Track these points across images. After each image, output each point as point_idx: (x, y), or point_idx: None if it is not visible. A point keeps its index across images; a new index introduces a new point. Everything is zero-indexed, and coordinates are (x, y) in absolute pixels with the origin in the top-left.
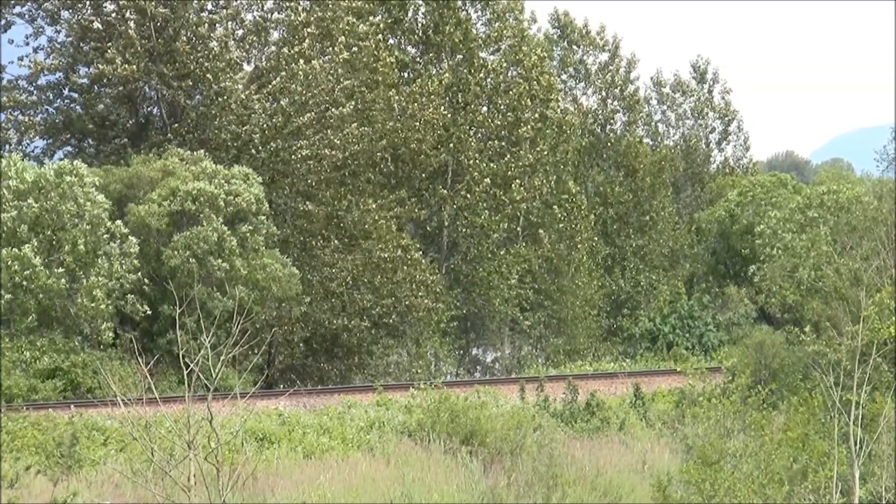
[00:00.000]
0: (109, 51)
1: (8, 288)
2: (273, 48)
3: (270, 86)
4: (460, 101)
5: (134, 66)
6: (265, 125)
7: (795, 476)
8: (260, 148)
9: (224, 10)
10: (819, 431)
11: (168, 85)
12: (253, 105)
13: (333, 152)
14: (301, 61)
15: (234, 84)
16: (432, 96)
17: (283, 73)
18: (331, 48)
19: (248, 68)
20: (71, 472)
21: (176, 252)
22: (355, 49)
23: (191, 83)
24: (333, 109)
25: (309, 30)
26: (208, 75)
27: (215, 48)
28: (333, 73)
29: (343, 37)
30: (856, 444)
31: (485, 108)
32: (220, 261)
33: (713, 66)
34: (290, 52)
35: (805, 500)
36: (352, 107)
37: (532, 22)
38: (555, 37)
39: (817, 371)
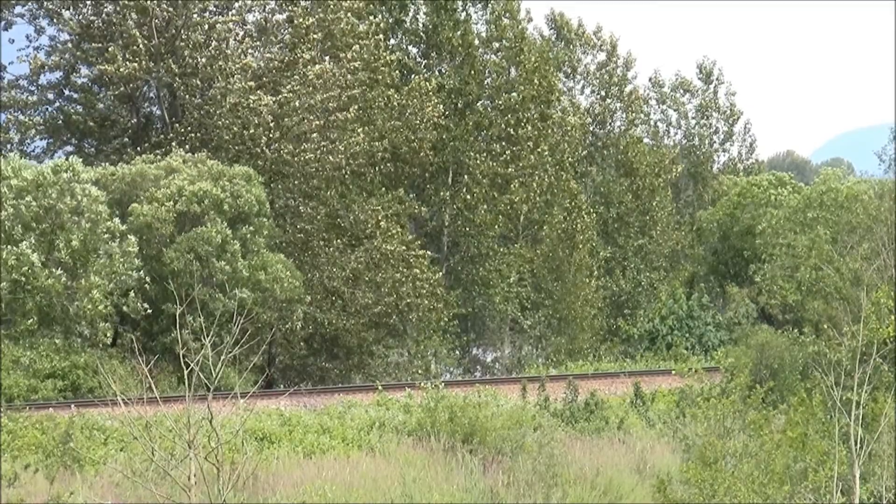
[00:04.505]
0: (111, 49)
1: (7, 287)
2: (276, 49)
3: (283, 91)
4: (461, 102)
5: (136, 65)
6: (271, 126)
7: (795, 476)
8: (264, 148)
9: (228, 12)
10: (819, 431)
11: (172, 82)
12: (258, 106)
13: (338, 157)
14: (316, 66)
15: (241, 84)
16: (430, 94)
17: (296, 77)
18: (336, 52)
19: (250, 63)
20: (69, 471)
21: (179, 255)
22: (356, 49)
23: (197, 82)
24: (338, 114)
25: (315, 35)
26: (217, 75)
27: (225, 49)
28: (342, 78)
29: (345, 37)
30: (856, 444)
31: (486, 109)
32: (222, 263)
33: (718, 67)
34: (294, 55)
35: (805, 500)
36: (355, 110)
37: (528, 21)
38: (552, 38)
39: (817, 371)
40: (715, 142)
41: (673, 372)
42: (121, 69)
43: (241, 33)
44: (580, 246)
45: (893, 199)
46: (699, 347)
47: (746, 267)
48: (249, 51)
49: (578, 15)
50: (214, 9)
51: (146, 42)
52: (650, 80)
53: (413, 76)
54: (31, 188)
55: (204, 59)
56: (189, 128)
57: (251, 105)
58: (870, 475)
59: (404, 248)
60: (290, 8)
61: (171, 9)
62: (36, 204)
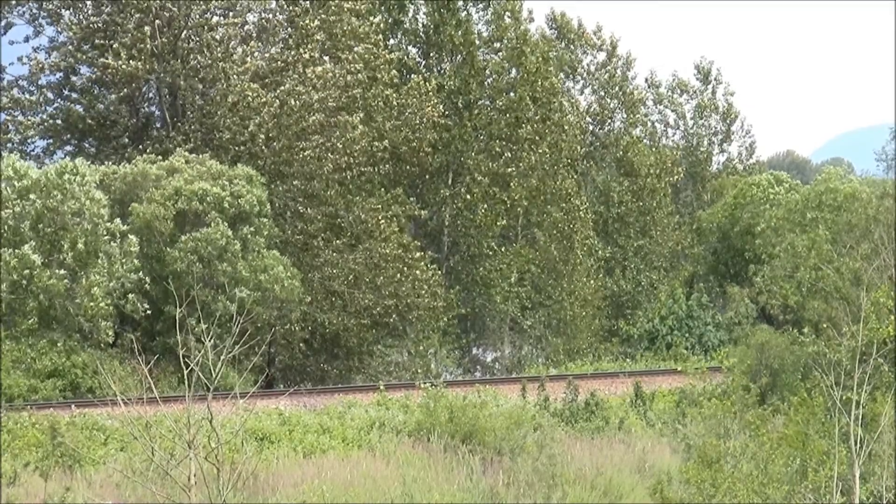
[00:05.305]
0: (114, 46)
1: (8, 287)
2: (276, 49)
3: (279, 89)
4: (461, 101)
5: (139, 63)
6: (270, 124)
7: (795, 476)
8: (263, 147)
9: (229, 13)
10: (819, 431)
11: (174, 82)
12: (258, 104)
13: (338, 156)
14: (318, 68)
15: (242, 84)
16: (429, 94)
17: (296, 76)
18: (336, 52)
19: (251, 66)
20: (65, 469)
21: (183, 255)
22: (357, 50)
23: (199, 81)
24: (339, 116)
25: (318, 36)
26: (221, 76)
27: (229, 50)
28: (343, 79)
29: (346, 38)
30: (856, 444)
31: (486, 109)
32: (224, 264)
33: (716, 68)
34: (296, 54)
35: (805, 500)
36: (359, 119)
37: (530, 21)
38: (553, 37)
39: (817, 371)
40: (714, 143)
41: (679, 369)
42: (123, 66)
43: (243, 34)
44: (577, 246)
45: (894, 199)
46: (699, 347)
47: (746, 267)
48: (251, 52)
49: (578, 15)
50: (217, 10)
51: (150, 41)
52: (646, 80)
53: (412, 76)
54: (34, 189)
55: (207, 60)
56: (192, 127)
57: (250, 103)
58: (870, 475)
59: (401, 250)
60: (290, 9)
61: (174, 9)
62: (40, 204)
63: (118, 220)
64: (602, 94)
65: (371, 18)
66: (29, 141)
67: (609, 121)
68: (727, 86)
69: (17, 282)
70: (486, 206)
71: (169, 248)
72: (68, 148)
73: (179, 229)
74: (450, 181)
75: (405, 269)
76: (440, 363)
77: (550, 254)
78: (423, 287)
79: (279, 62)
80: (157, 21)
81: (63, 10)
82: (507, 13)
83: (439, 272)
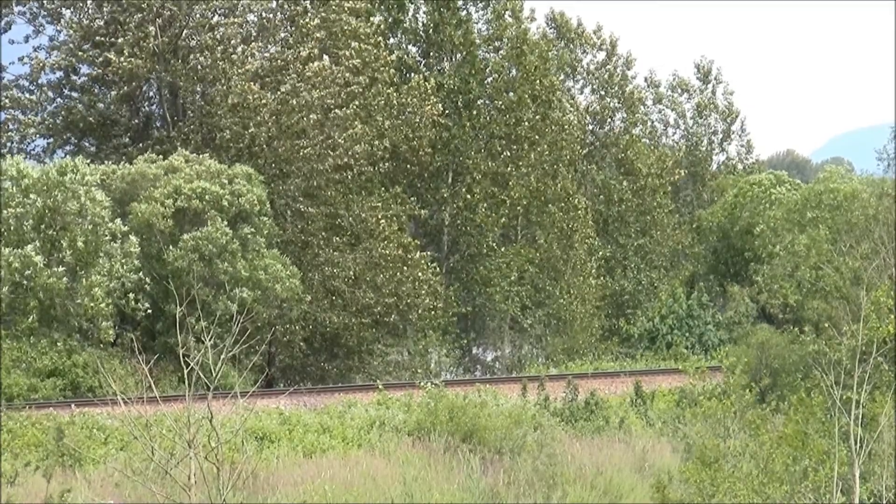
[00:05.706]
0: (117, 42)
1: (9, 287)
2: (276, 48)
3: (281, 89)
4: (461, 100)
5: (140, 61)
6: (270, 123)
7: (795, 475)
8: (264, 147)
9: (231, 14)
10: (819, 431)
11: (175, 81)
12: (258, 104)
13: (336, 153)
14: (315, 64)
15: (243, 83)
16: (429, 93)
17: (295, 75)
18: (336, 51)
19: (251, 66)
20: (66, 469)
21: (184, 254)
22: (356, 47)
23: (199, 81)
24: (338, 111)
25: (318, 34)
26: (221, 76)
27: (229, 51)
28: (341, 76)
29: (345, 37)
30: (856, 443)
31: (486, 108)
32: (225, 264)
33: (716, 67)
34: (296, 53)
35: (805, 500)
36: (355, 106)
37: (531, 21)
38: (552, 36)
39: (817, 370)
40: (714, 142)
41: (679, 368)
42: (124, 63)
43: (243, 34)
44: (577, 245)
45: (894, 199)
46: (699, 347)
47: (746, 266)
48: (252, 52)
49: (578, 15)
50: (218, 10)
51: (153, 39)
52: (646, 80)
53: (412, 75)
54: (34, 188)
55: (207, 60)
56: (192, 127)
57: (250, 104)
58: (870, 474)
59: (401, 249)
60: (291, 8)
61: (175, 8)
62: (41, 203)
63: (119, 221)
64: (602, 93)
65: (371, 19)
66: (29, 140)
67: (609, 120)
68: (727, 85)
69: (17, 281)
70: (486, 205)
71: (171, 247)
72: (68, 147)
73: (179, 228)
74: (450, 180)
75: (405, 268)
76: (440, 362)
77: (550, 253)
78: (423, 286)
79: (279, 61)
80: (158, 20)
81: (63, 10)
82: (508, 12)
83: (439, 271)
